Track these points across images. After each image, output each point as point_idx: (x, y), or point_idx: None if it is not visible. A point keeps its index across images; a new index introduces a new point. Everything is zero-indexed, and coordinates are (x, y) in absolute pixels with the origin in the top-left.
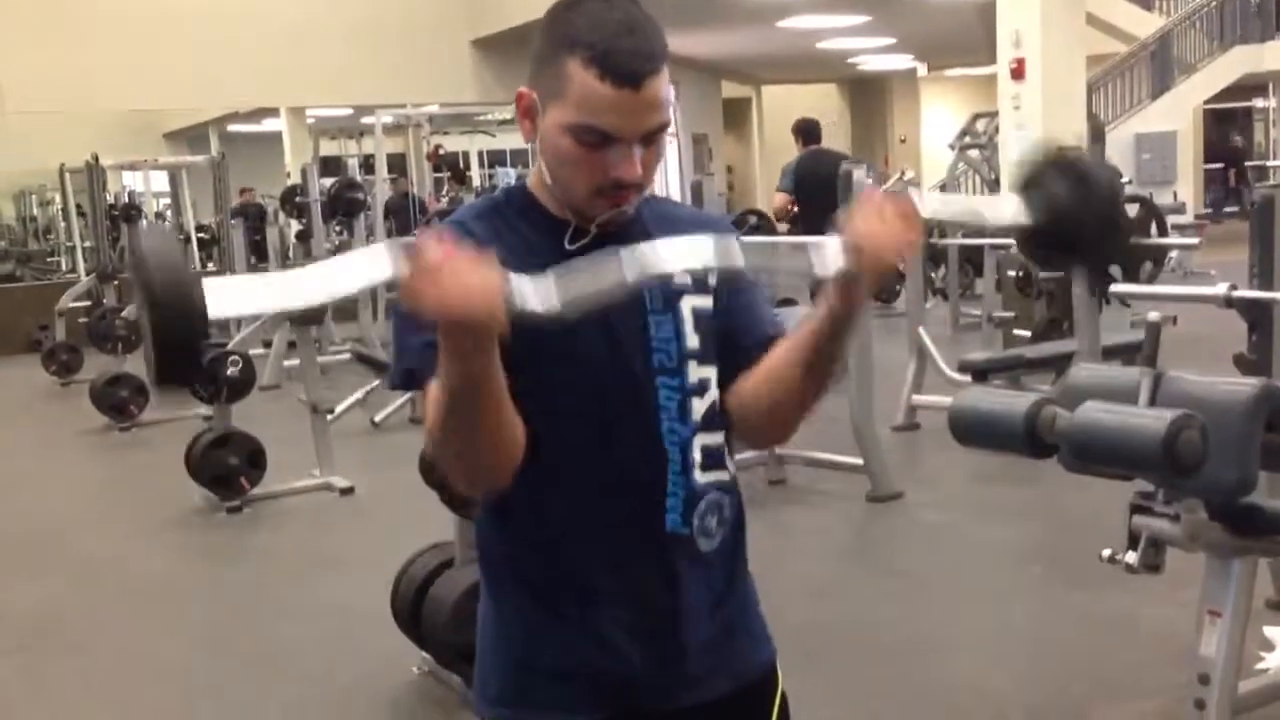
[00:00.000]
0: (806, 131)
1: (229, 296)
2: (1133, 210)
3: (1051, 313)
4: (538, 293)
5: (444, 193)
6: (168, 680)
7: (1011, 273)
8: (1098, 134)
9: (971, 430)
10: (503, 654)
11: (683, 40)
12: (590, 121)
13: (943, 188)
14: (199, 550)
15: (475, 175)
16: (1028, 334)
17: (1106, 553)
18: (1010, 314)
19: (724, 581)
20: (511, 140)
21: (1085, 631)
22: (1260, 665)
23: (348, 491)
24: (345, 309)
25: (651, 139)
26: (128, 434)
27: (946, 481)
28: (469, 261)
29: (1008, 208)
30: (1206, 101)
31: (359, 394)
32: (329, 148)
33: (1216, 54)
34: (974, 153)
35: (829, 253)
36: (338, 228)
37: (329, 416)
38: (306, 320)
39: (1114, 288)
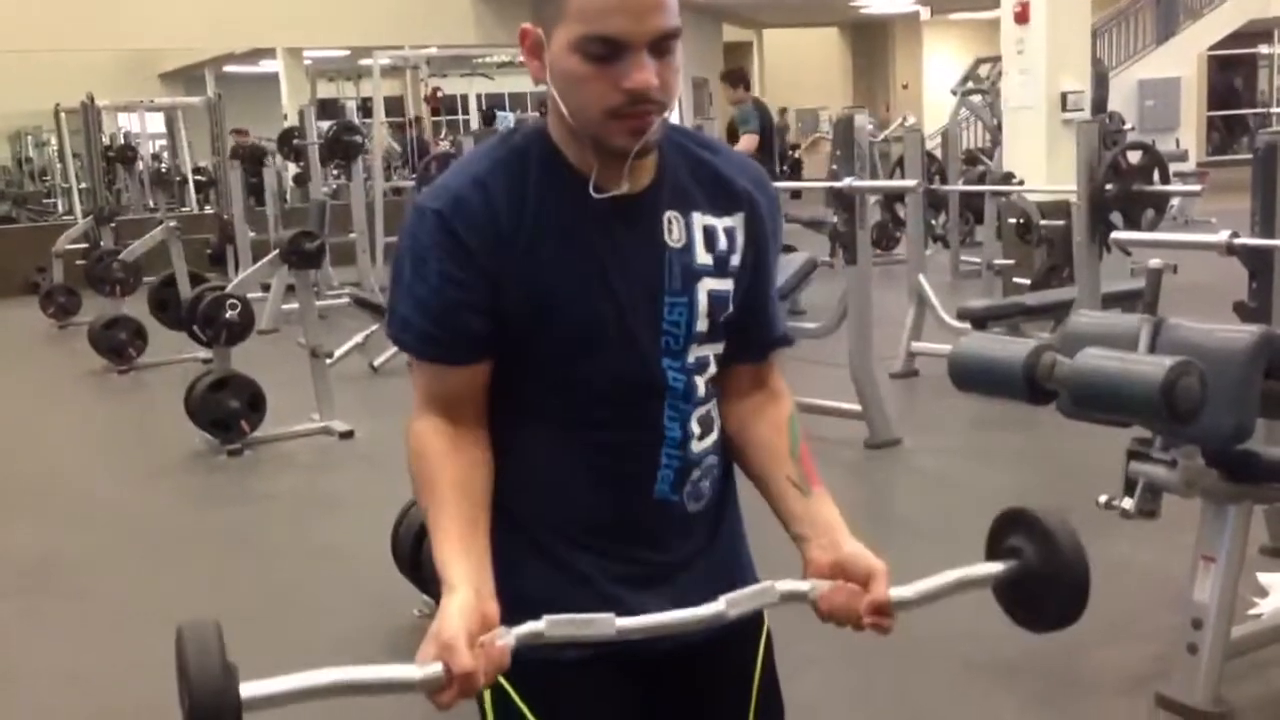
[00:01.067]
0: (745, 80)
1: (264, 686)
2: (1135, 156)
3: (1051, 260)
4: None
5: (443, 136)
6: (168, 622)
7: (1012, 220)
8: (1101, 79)
9: (971, 376)
10: None
11: None
12: (595, 30)
13: (945, 134)
14: (199, 493)
15: (474, 118)
16: (1027, 282)
17: (1103, 498)
18: (1010, 261)
19: (712, 530)
20: (510, 84)
21: None
22: (1253, 611)
23: (347, 435)
24: (343, 252)
25: (662, 47)
26: (126, 376)
27: (945, 428)
28: (487, 660)
29: (982, 571)
30: (1211, 48)
31: (358, 338)
32: (326, 90)
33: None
34: (977, 98)
35: (806, 589)
36: (335, 171)
37: (328, 360)
38: (304, 264)
39: (1115, 235)
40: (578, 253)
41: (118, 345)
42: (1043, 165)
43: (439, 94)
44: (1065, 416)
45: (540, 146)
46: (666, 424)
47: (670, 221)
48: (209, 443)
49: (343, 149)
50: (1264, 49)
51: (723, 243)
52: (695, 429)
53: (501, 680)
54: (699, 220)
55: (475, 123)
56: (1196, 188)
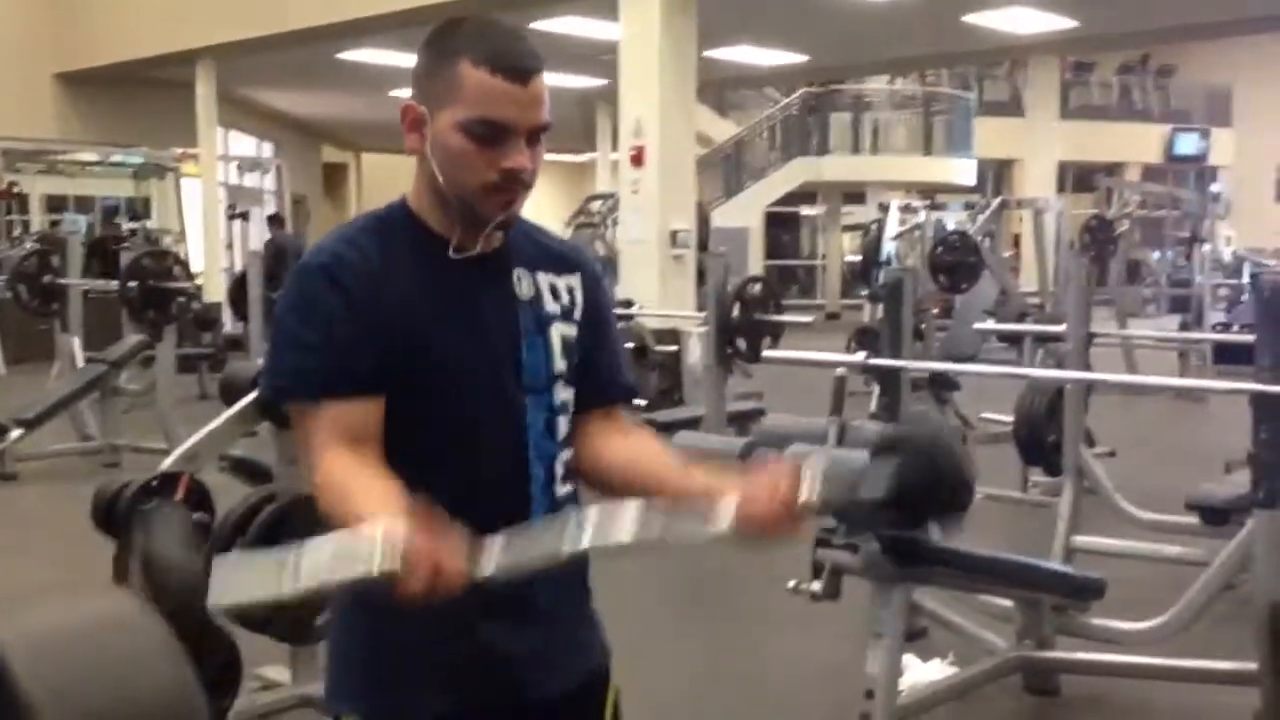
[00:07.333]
0: None
1: (233, 584)
2: (756, 289)
3: (662, 385)
4: (485, 559)
5: (15, 235)
6: None
7: (629, 345)
8: (704, 219)
9: None
10: (353, 650)
11: (286, 99)
12: (484, 114)
13: None
14: None
15: (35, 219)
16: (643, 403)
17: (793, 583)
18: None
19: (576, 586)
20: (79, 185)
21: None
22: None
23: None
24: None
25: (536, 137)
26: None
27: None
28: (449, 558)
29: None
30: (771, 204)
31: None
32: None
33: (780, 163)
34: (588, 231)
35: (722, 513)
36: None
37: None
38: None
39: (767, 353)
40: (444, 298)
41: None
42: (656, 294)
43: (15, 189)
44: None
45: (402, 215)
46: (531, 462)
47: (519, 277)
48: None
49: None
50: (805, 210)
51: (565, 296)
52: (559, 470)
53: None
54: (544, 278)
55: (37, 224)
56: (809, 318)
